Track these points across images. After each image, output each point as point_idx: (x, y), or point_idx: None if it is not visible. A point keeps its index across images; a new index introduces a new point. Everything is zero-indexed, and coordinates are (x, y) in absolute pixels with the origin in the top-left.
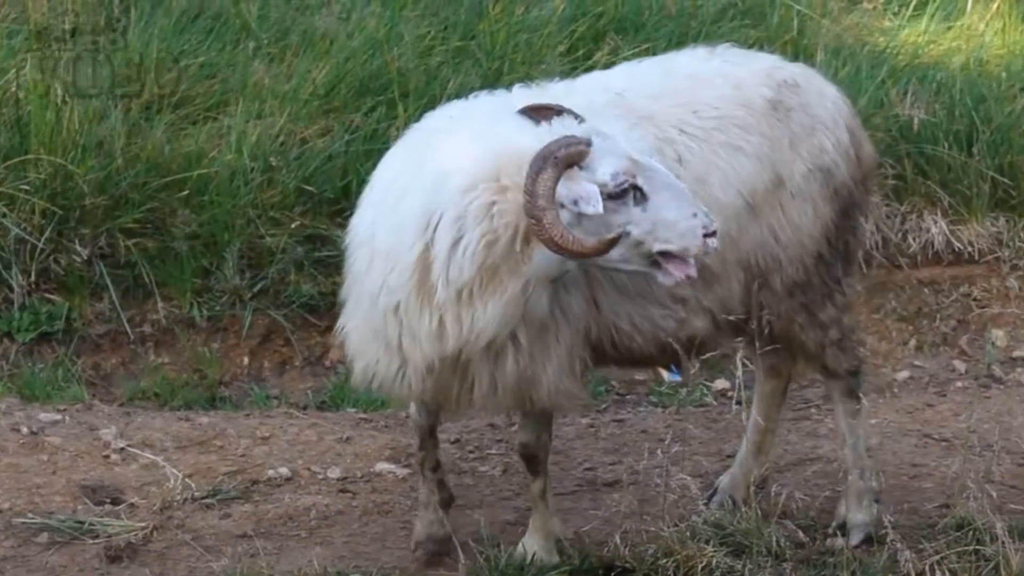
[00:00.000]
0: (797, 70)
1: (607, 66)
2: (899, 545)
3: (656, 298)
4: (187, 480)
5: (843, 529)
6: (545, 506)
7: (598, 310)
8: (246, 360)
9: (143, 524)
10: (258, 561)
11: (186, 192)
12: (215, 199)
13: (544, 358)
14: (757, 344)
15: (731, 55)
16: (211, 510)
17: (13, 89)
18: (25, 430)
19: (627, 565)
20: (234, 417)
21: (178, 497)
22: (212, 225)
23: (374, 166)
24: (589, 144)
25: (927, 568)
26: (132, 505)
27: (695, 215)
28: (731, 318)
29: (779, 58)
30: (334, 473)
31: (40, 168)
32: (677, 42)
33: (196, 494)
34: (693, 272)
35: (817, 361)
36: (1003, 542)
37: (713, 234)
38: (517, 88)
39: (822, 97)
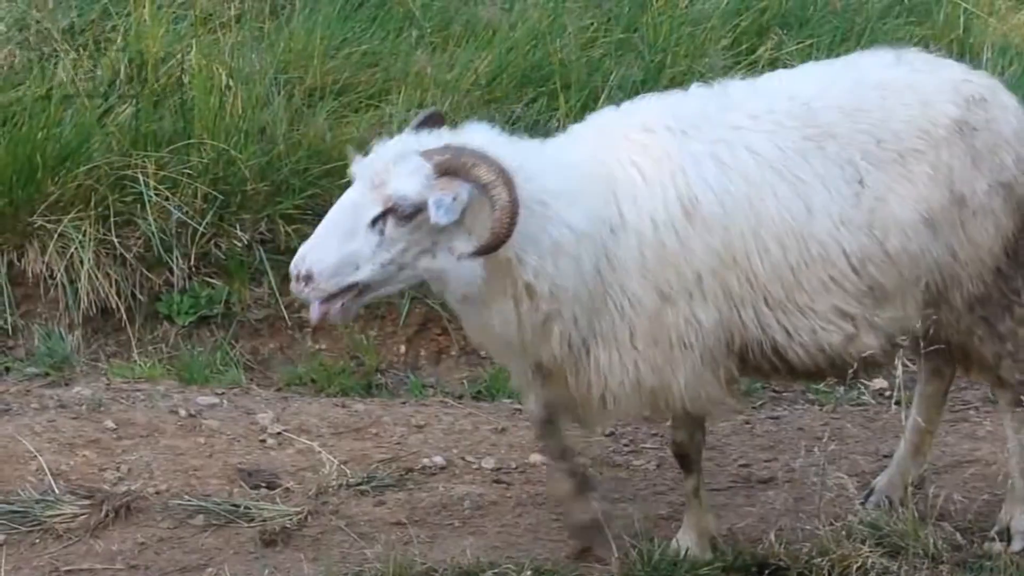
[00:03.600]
0: (983, 83)
1: (771, 62)
2: None
3: (815, 310)
4: (342, 466)
5: (1005, 534)
6: (698, 503)
7: (741, 320)
8: (402, 348)
9: (298, 509)
10: (411, 549)
11: (346, 180)
12: None
13: (670, 366)
14: (921, 345)
15: (918, 62)
16: (365, 497)
17: (178, 74)
18: (183, 413)
19: (781, 563)
20: (390, 405)
21: (333, 483)
22: None
23: None
24: None
25: None
26: (287, 490)
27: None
28: (904, 340)
29: (964, 67)
30: (488, 463)
31: (203, 152)
32: (841, 39)
33: (351, 480)
34: (312, 316)
35: (992, 372)
36: None
37: (306, 279)
38: (695, 87)
39: (1005, 111)
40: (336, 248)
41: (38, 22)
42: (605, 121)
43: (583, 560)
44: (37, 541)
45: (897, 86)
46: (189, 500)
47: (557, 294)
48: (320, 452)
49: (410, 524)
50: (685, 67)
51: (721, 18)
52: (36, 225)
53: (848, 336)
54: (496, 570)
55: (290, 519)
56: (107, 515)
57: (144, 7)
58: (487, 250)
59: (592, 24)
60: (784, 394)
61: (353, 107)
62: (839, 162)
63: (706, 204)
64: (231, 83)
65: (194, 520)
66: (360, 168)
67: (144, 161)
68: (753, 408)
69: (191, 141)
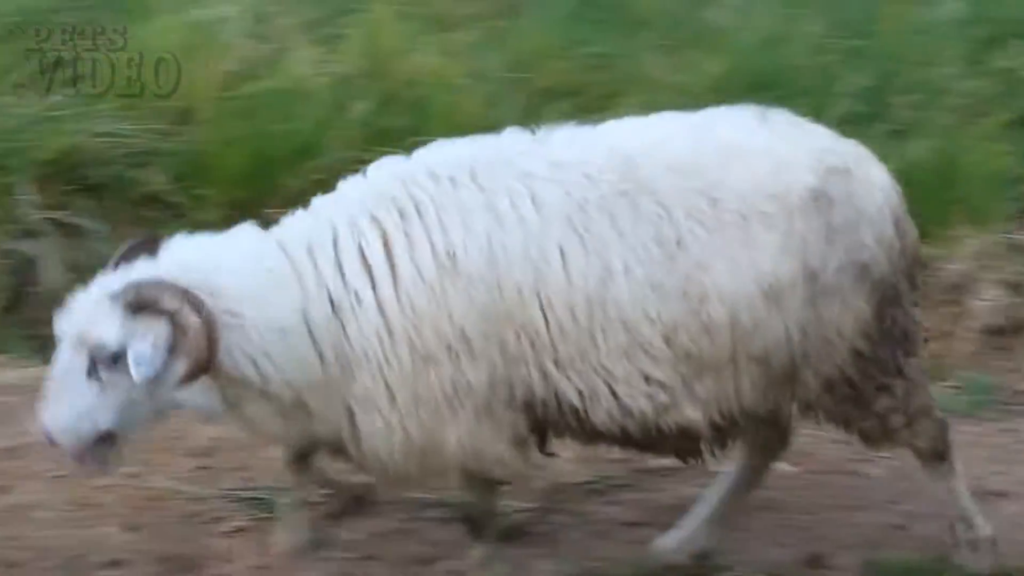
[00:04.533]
0: (851, 154)
1: (1002, 73)
2: None
3: (614, 375)
4: (574, 465)
5: None
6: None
7: (527, 378)
8: None
9: (534, 505)
10: (646, 548)
11: None
12: None
13: (440, 425)
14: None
15: (782, 125)
16: (598, 495)
17: (413, 71)
18: None
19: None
20: None
21: (566, 481)
22: None
23: None
24: None
25: None
26: (520, 487)
27: None
28: (733, 413)
29: (835, 136)
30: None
31: None
32: None
33: (583, 479)
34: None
35: (885, 442)
36: None
37: (51, 441)
38: (509, 131)
39: (871, 186)
40: (67, 406)
41: (277, 16)
42: (372, 177)
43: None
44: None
45: (752, 148)
46: (426, 494)
47: (295, 386)
48: (554, 451)
49: (644, 524)
50: (919, 76)
51: (954, 27)
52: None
53: (661, 405)
54: (732, 573)
55: (526, 514)
56: (344, 506)
57: (380, 4)
58: (193, 376)
59: (823, 30)
60: (1013, 408)
61: (584, 108)
62: (653, 221)
63: (468, 258)
64: (464, 81)
65: (428, 513)
66: (62, 325)
67: (378, 157)
68: (983, 420)
69: (424, 138)
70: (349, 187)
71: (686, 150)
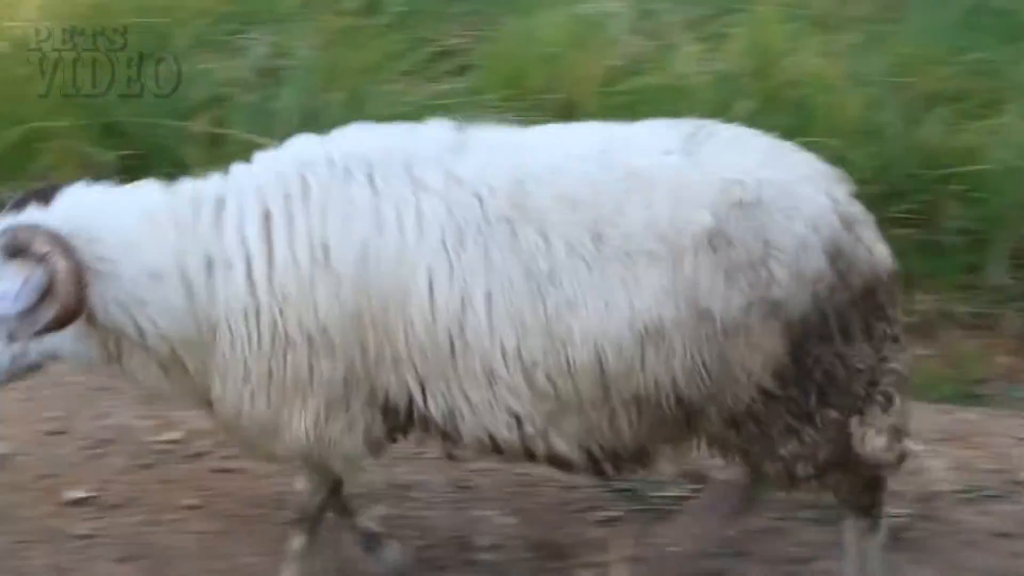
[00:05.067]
0: (772, 182)
1: None
2: None
3: (471, 400)
4: (947, 473)
5: None
6: (297, 567)
7: (388, 382)
8: (1005, 359)
9: (905, 512)
10: (1018, 562)
11: (958, 187)
12: (987, 196)
13: (287, 407)
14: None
15: (709, 148)
16: (970, 505)
17: (795, 72)
18: None
19: None
20: (995, 415)
21: (939, 489)
22: (982, 222)
23: None
24: None
25: None
26: (893, 492)
27: None
28: (614, 448)
29: (765, 159)
30: None
31: (819, 151)
32: None
33: (955, 488)
34: None
35: (794, 489)
36: None
37: None
38: (432, 127)
39: (791, 219)
40: None
41: (662, 13)
42: (278, 153)
43: None
44: (645, 520)
45: (655, 178)
46: (799, 495)
47: (169, 340)
48: (925, 457)
49: (1015, 535)
50: None
51: None
52: None
53: (525, 434)
54: None
55: (898, 521)
56: (727, 501)
57: (764, 4)
58: (60, 323)
59: None
60: None
61: (966, 115)
62: (528, 252)
63: (340, 257)
64: (845, 83)
65: (802, 514)
66: None
67: None
68: None
69: (808, 139)
70: (260, 158)
71: (585, 179)
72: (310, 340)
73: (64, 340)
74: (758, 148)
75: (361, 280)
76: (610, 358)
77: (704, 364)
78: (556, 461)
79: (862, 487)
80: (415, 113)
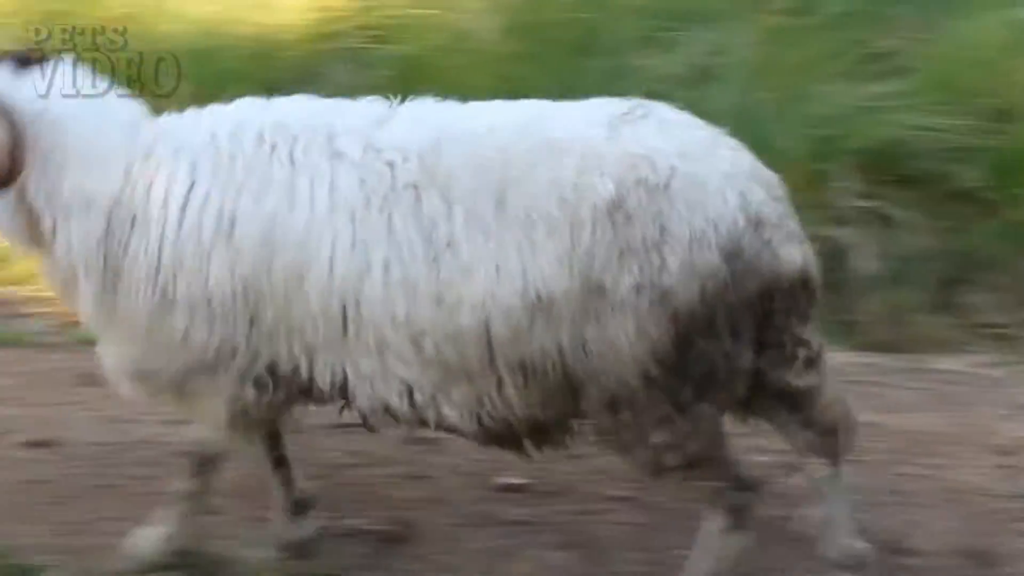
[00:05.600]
0: (684, 174)
1: None
2: None
3: (361, 370)
4: None
5: None
6: (178, 512)
7: (277, 354)
8: None
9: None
10: None
11: None
12: None
13: (163, 361)
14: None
15: (636, 126)
16: None
17: None
18: None
19: None
20: None
21: None
22: None
23: None
24: None
25: None
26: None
27: None
28: (506, 419)
29: (687, 149)
30: None
31: None
32: None
33: None
34: None
35: (661, 480)
36: None
37: None
38: (366, 101)
39: (693, 211)
40: None
41: None
42: (219, 113)
43: None
44: None
45: (570, 148)
46: None
47: (72, 259)
48: None
49: None
50: None
51: None
52: None
53: (417, 403)
54: None
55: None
56: None
57: None
58: None
59: None
60: None
61: None
62: (430, 219)
63: (244, 233)
64: None
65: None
66: None
67: None
68: None
69: None
70: (210, 111)
71: (497, 146)
72: (192, 308)
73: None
74: (686, 137)
75: (263, 256)
76: (497, 325)
77: (590, 340)
78: (450, 430)
79: (734, 486)
80: (847, 115)
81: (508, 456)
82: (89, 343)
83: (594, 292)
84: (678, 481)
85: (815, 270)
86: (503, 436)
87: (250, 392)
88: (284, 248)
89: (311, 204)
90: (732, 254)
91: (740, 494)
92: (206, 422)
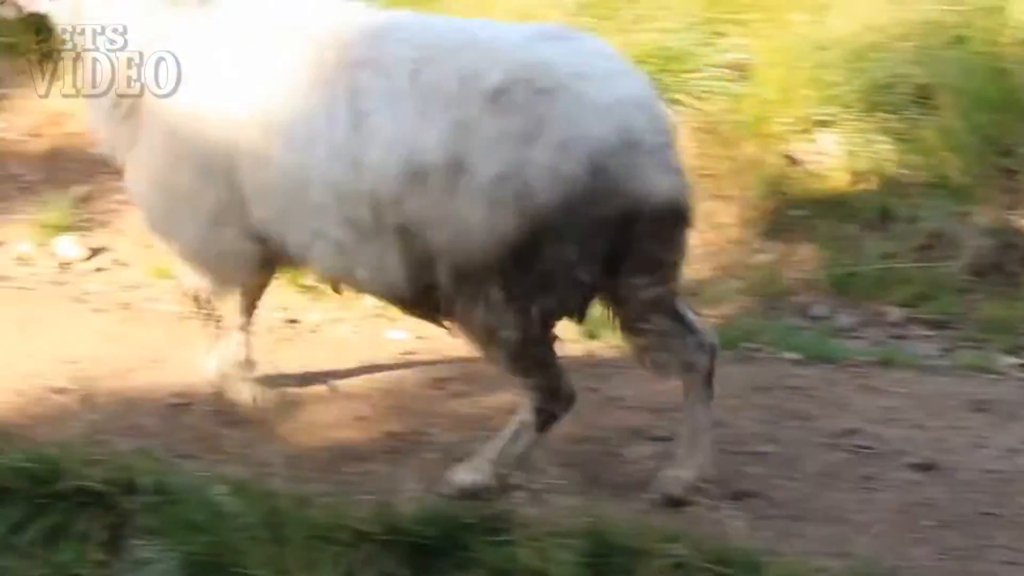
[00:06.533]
0: (573, 88)
1: None
2: None
3: (309, 230)
4: None
5: None
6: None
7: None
8: None
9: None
10: None
11: None
12: None
13: (176, 217)
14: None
15: (544, 43)
16: None
17: None
18: None
19: None
20: None
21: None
22: None
23: None
24: None
25: None
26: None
27: None
28: (397, 285)
29: (586, 70)
30: None
31: None
32: None
33: None
34: None
35: (490, 361)
36: None
37: None
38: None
39: (570, 122)
40: None
41: None
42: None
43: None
44: None
45: (483, 44)
46: None
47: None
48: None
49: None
50: None
51: None
52: None
53: (341, 265)
54: None
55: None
56: None
57: None
58: None
59: None
60: None
61: None
62: (355, 91)
63: (221, 98)
64: None
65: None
66: None
67: None
68: None
69: None
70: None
71: (435, 34)
72: (192, 165)
73: None
74: (593, 62)
75: (239, 120)
76: (381, 188)
77: (449, 216)
78: (376, 295)
79: (550, 395)
80: None
81: None
82: (978, 369)
83: (464, 171)
84: (504, 366)
85: (687, 202)
86: (407, 303)
87: (252, 249)
88: (252, 118)
89: (281, 78)
90: (596, 170)
91: (552, 401)
92: (222, 278)
